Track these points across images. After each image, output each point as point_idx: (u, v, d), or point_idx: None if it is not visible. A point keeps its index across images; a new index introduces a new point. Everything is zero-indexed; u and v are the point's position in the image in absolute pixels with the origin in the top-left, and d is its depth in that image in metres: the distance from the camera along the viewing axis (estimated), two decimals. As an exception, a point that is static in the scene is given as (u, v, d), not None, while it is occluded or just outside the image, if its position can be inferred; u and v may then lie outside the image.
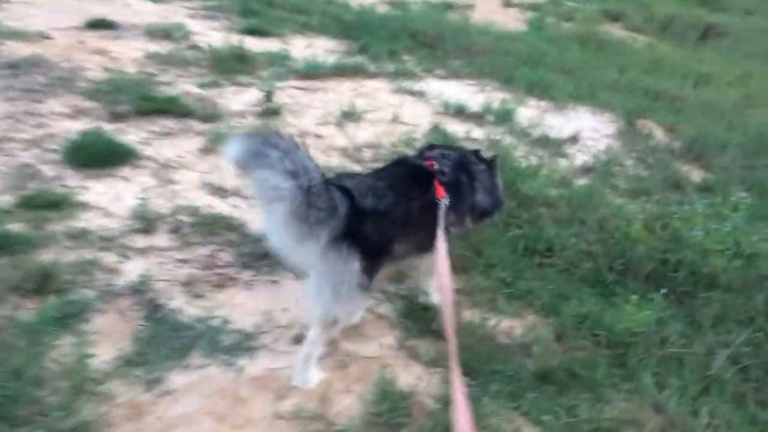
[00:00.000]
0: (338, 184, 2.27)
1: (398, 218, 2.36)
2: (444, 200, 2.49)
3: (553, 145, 4.97)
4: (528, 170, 4.14)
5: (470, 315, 2.92)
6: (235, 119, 4.65)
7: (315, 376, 2.44)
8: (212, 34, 6.57)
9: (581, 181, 4.34)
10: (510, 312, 2.99)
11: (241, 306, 2.81)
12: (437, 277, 2.25)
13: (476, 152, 2.94)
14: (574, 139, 5.18)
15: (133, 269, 2.92)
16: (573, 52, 7.95)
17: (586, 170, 4.65)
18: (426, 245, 2.45)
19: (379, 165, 2.89)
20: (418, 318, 2.85)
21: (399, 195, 2.38)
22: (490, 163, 2.94)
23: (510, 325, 2.91)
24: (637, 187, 4.38)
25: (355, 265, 2.23)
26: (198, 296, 2.83)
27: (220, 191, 3.67)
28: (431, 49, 7.10)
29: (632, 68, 7.52)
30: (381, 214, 2.29)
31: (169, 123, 4.44)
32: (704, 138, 5.34)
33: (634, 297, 3.05)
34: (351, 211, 2.21)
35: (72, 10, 6.60)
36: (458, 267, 3.11)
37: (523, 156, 4.44)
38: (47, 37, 5.68)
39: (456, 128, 4.98)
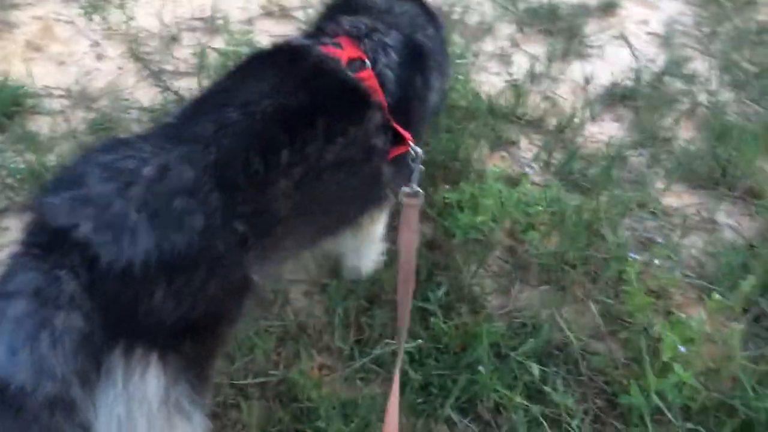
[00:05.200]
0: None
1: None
2: (415, 153, 1.48)
3: (563, 29, 2.97)
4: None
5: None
6: None
7: None
8: None
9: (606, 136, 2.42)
10: None
11: None
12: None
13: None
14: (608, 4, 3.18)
15: None
16: None
17: (618, 97, 2.62)
18: (346, 217, 1.57)
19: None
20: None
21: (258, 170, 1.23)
22: (436, 19, 1.78)
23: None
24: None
25: (158, 383, 1.10)
26: None
27: None
28: None
29: None
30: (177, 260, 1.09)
31: None
32: None
33: None
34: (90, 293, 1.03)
35: None
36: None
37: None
38: None
39: None
